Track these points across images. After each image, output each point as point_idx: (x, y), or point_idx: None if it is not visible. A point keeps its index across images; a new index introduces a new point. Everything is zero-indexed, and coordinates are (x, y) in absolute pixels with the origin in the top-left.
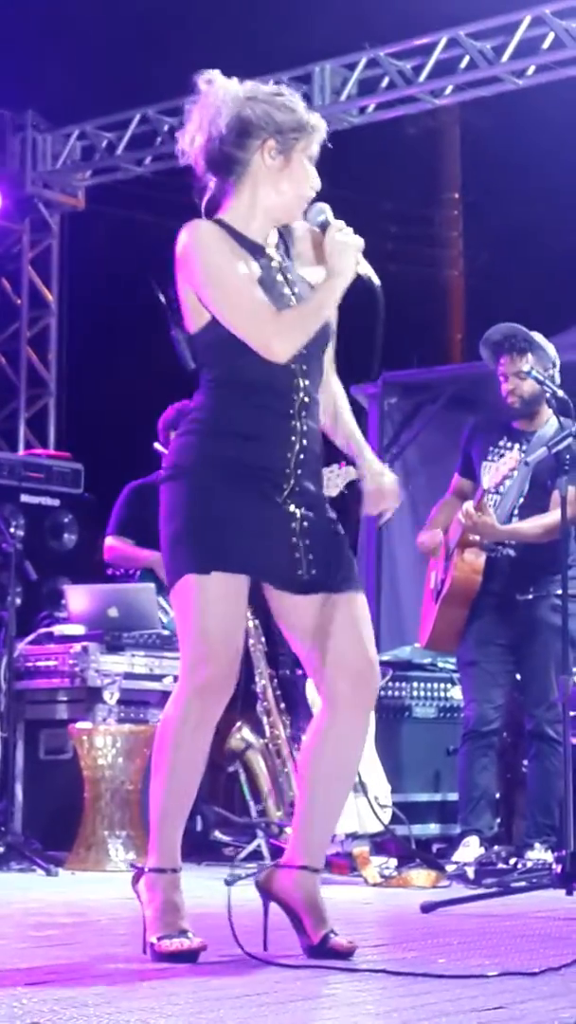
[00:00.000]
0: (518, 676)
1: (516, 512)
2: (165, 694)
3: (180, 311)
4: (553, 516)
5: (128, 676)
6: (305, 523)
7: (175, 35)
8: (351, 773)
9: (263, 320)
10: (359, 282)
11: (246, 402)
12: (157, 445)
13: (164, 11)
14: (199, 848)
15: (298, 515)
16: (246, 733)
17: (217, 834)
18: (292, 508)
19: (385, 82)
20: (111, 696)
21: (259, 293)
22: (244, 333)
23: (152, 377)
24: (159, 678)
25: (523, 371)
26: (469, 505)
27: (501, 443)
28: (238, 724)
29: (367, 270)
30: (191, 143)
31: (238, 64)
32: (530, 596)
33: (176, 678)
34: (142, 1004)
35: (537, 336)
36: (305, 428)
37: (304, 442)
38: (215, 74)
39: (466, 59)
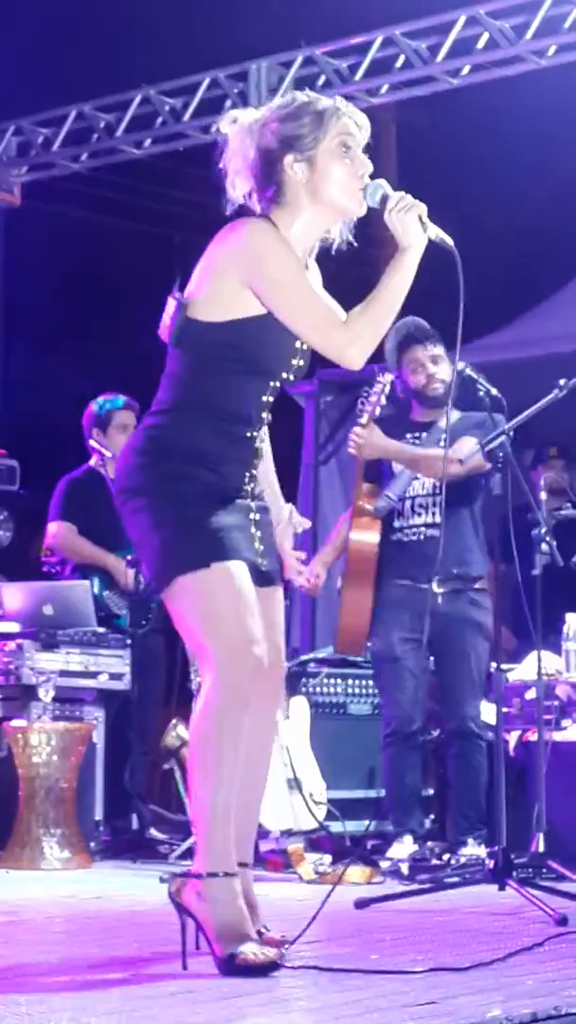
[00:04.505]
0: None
1: (436, 511)
2: (101, 692)
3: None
4: (443, 452)
5: (63, 674)
6: (257, 516)
7: (112, 32)
8: (267, 762)
9: (336, 328)
10: (433, 247)
11: (211, 429)
12: (92, 442)
13: (101, 7)
14: (134, 846)
15: (253, 507)
16: (181, 730)
17: (152, 832)
18: (248, 503)
19: (321, 80)
20: (46, 694)
21: (328, 299)
22: (314, 340)
23: (87, 374)
24: (94, 675)
25: (440, 356)
26: (357, 429)
27: (408, 437)
28: (173, 721)
29: (437, 232)
30: (235, 188)
31: (175, 61)
32: (446, 590)
33: (112, 676)
34: (75, 1002)
35: None
36: (261, 443)
37: (258, 459)
38: (237, 113)
39: (401, 58)
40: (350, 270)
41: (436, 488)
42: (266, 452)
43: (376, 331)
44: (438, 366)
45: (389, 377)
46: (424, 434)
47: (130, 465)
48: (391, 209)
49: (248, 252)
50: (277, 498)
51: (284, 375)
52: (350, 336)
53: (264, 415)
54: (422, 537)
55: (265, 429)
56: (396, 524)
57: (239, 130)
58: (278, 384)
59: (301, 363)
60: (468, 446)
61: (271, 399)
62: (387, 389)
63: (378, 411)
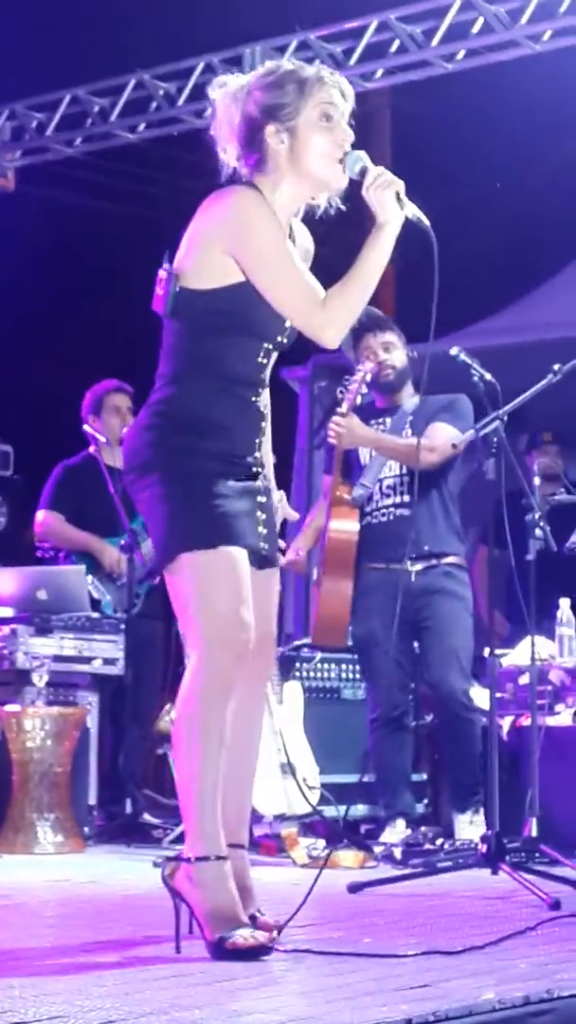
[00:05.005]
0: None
1: (403, 490)
2: (95, 677)
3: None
4: (423, 442)
5: (57, 659)
6: (263, 497)
7: (105, 16)
8: (257, 743)
9: (314, 308)
10: (409, 225)
11: (217, 393)
12: (87, 428)
13: None
14: (128, 830)
15: (260, 488)
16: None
17: (146, 816)
18: (256, 483)
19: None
20: (40, 679)
21: (309, 276)
22: (292, 317)
23: (82, 358)
24: (88, 660)
25: (391, 343)
26: (336, 418)
27: (373, 422)
28: (167, 707)
29: (413, 210)
30: (226, 153)
31: (169, 46)
32: (419, 567)
33: (106, 661)
34: (69, 986)
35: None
36: (265, 409)
37: (264, 423)
38: (226, 78)
39: (396, 43)
40: (344, 255)
41: (404, 469)
42: (266, 435)
43: (352, 310)
44: (389, 353)
45: (369, 366)
46: (388, 419)
47: (139, 442)
48: (369, 184)
49: (232, 222)
50: (269, 481)
51: (278, 338)
52: (327, 317)
53: (263, 377)
54: (391, 517)
55: (267, 402)
56: (367, 508)
57: (225, 96)
58: (272, 347)
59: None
60: (445, 433)
61: (267, 362)
62: (367, 378)
63: (358, 400)
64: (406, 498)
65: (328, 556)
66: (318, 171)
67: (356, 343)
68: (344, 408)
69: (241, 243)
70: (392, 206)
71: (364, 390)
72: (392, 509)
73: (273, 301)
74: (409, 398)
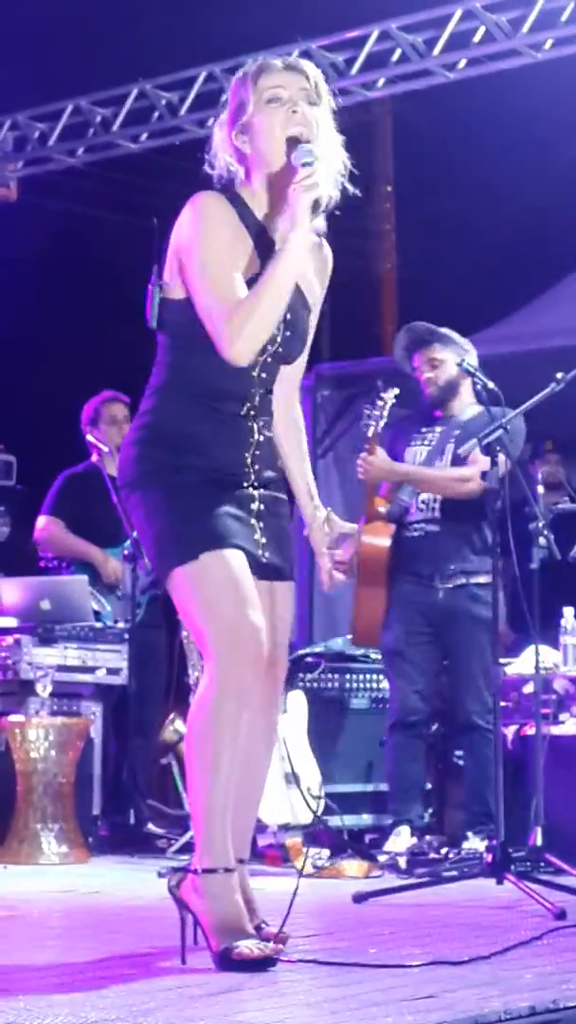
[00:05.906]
0: (446, 663)
1: (436, 507)
2: (98, 686)
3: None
4: (458, 472)
5: (61, 669)
6: (262, 506)
7: (108, 26)
8: (267, 760)
9: (222, 321)
10: (421, 227)
11: (196, 407)
12: (90, 437)
13: (97, 1)
14: (132, 841)
15: (256, 496)
16: (179, 725)
17: (150, 827)
18: (252, 491)
19: None
20: (44, 689)
21: (237, 285)
22: (208, 329)
23: (85, 368)
24: (92, 670)
25: (436, 359)
26: (363, 455)
27: (424, 430)
28: (171, 716)
29: (319, 224)
30: (236, 174)
31: (171, 55)
32: (449, 586)
33: (109, 670)
34: (74, 997)
35: (443, 330)
36: (260, 425)
37: (260, 438)
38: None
39: (398, 52)
40: (345, 263)
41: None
42: (302, 448)
43: (258, 326)
44: (434, 370)
45: (392, 392)
46: (439, 428)
47: (126, 459)
48: (297, 181)
49: (183, 229)
50: (312, 499)
51: (270, 347)
52: (230, 333)
53: (254, 392)
54: (422, 533)
55: (298, 420)
56: (405, 522)
57: (219, 128)
58: (269, 359)
59: (288, 333)
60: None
61: (265, 375)
62: (389, 404)
63: (380, 424)
64: (436, 515)
65: (360, 567)
66: (263, 149)
67: (410, 362)
68: (371, 431)
69: (186, 250)
70: (304, 213)
71: (386, 415)
72: (423, 525)
73: (198, 310)
74: (466, 407)
